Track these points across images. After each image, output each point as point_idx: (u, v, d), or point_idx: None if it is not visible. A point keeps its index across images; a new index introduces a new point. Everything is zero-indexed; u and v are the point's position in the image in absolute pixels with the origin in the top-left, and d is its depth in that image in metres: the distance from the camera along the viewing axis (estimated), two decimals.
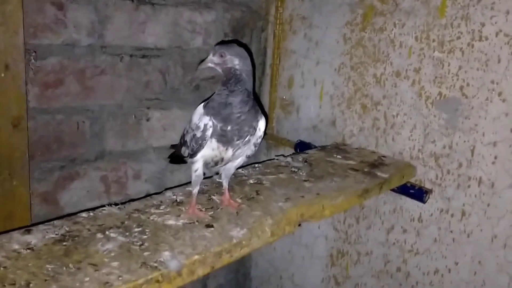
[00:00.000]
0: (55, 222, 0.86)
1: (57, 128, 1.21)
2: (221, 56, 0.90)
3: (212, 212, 0.94)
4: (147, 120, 1.40)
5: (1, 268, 0.71)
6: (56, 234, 0.81)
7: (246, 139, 0.93)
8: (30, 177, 1.13)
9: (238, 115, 0.90)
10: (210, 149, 0.92)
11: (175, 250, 0.79)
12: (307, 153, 1.34)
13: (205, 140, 0.90)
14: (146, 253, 0.78)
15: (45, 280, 0.69)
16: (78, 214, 0.89)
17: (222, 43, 0.97)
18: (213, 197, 1.01)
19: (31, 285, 0.68)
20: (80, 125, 1.26)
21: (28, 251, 0.76)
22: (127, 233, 0.83)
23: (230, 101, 0.89)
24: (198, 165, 0.94)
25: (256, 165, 1.21)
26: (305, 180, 1.13)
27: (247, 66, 0.91)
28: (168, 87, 1.42)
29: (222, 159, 0.94)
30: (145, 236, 0.83)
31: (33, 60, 1.12)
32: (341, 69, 1.43)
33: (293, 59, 1.60)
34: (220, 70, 0.91)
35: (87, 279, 0.70)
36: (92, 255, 0.76)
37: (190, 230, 0.87)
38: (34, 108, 1.16)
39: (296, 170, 1.19)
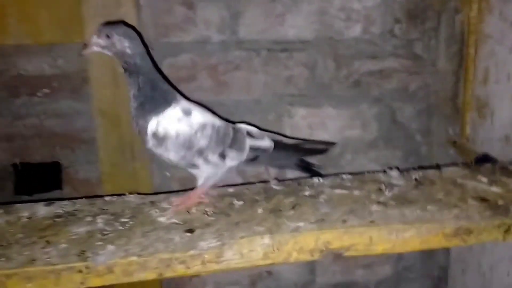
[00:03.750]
0: None
1: None
2: (108, 37, 0.79)
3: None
4: (290, 117, 1.33)
5: None
6: None
7: (147, 145, 0.81)
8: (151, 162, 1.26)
9: (132, 113, 0.78)
10: None
11: (123, 247, 0.77)
12: (438, 169, 1.00)
13: None
14: (97, 243, 0.78)
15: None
16: None
17: (107, 23, 0.83)
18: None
19: None
20: None
21: None
22: (114, 221, 0.85)
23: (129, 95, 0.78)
24: None
25: (345, 176, 0.99)
26: (380, 203, 0.87)
27: (140, 48, 0.79)
28: (316, 83, 1.31)
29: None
30: (121, 228, 0.83)
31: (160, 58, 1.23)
32: None
33: (489, 46, 1.20)
34: (110, 54, 0.80)
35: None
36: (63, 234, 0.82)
37: (165, 230, 0.81)
38: None
39: (384, 188, 0.92)
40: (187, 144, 0.83)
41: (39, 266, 0.73)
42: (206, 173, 0.88)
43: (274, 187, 0.95)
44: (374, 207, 0.85)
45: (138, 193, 0.94)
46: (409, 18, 1.29)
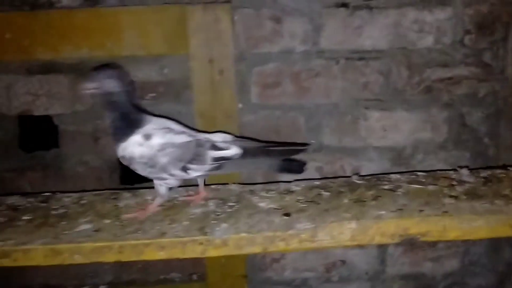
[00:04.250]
0: None
1: (275, 122, 1.46)
2: (99, 81, 0.95)
3: None
4: (365, 119, 1.46)
5: None
6: None
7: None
8: None
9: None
10: None
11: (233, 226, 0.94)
12: (505, 169, 1.11)
13: None
14: (212, 221, 0.96)
15: None
16: None
17: (96, 68, 0.98)
18: None
19: None
20: (296, 121, 1.46)
21: None
22: (222, 205, 1.03)
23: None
24: None
25: (419, 173, 1.12)
26: (452, 196, 0.99)
27: (122, 87, 0.97)
28: (390, 88, 1.44)
29: None
30: (230, 210, 1.00)
31: (250, 67, 1.40)
32: None
33: None
34: (100, 93, 0.97)
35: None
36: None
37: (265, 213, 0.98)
38: (255, 104, 1.44)
39: (456, 184, 1.04)
40: (150, 163, 0.98)
41: (169, 238, 0.91)
42: (172, 183, 1.03)
43: (356, 181, 1.09)
44: (447, 200, 0.97)
45: (239, 183, 1.11)
46: (478, 29, 1.38)
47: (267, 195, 1.05)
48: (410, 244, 0.94)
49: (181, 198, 1.07)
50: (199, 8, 1.29)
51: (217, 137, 1.04)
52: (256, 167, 1.08)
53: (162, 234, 0.91)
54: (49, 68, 1.38)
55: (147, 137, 0.98)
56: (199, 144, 1.00)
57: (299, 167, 1.06)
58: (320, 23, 1.39)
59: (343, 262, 1.55)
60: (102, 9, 1.31)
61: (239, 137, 1.11)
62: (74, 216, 0.99)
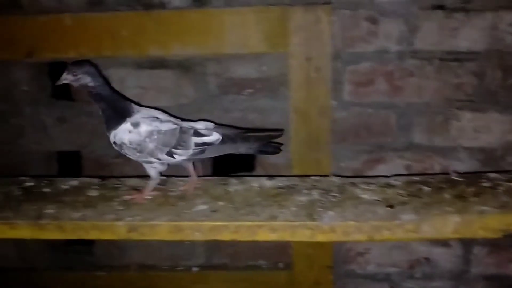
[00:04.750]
0: None
1: (367, 119, 1.50)
2: (74, 74, 1.05)
3: None
4: (457, 120, 1.48)
5: None
6: None
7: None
8: (332, 154, 1.48)
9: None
10: None
11: (340, 214, 1.00)
12: None
13: None
14: (318, 209, 1.02)
15: None
16: None
17: (75, 62, 1.09)
18: None
19: None
20: (388, 119, 1.50)
21: None
22: (326, 195, 1.09)
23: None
24: None
25: None
26: None
27: (99, 81, 1.07)
28: (483, 90, 1.45)
29: None
30: (333, 200, 1.06)
31: (345, 65, 1.46)
32: None
33: None
34: (77, 86, 1.07)
35: None
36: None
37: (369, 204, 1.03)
38: (347, 101, 1.49)
39: None
40: (139, 148, 1.08)
41: (280, 221, 0.98)
42: (159, 167, 1.13)
43: (455, 178, 1.13)
44: None
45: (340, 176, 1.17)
46: None
47: (368, 187, 1.11)
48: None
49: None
50: (301, 9, 1.36)
51: (200, 125, 1.14)
52: (236, 151, 1.16)
53: (273, 218, 0.99)
54: (158, 64, 1.50)
55: (136, 125, 1.08)
56: (183, 131, 1.10)
57: (274, 149, 1.16)
58: (415, 24, 1.42)
59: (427, 259, 1.57)
60: (209, 10, 1.41)
61: (220, 125, 1.20)
62: (190, 198, 1.09)
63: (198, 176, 1.19)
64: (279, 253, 1.57)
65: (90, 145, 1.56)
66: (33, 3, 1.47)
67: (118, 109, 1.10)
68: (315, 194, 1.09)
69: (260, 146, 1.14)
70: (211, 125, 1.16)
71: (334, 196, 1.07)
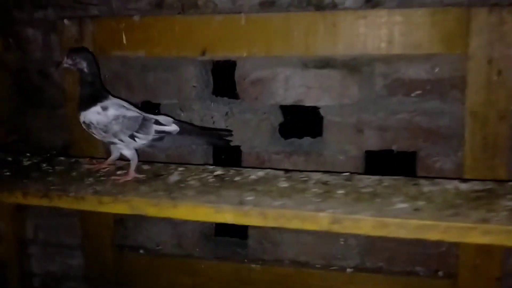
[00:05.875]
0: None
1: None
2: (73, 59, 1.23)
3: None
4: None
5: None
6: None
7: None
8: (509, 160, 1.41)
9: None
10: None
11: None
12: None
13: None
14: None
15: None
16: None
17: (74, 49, 1.30)
18: None
19: None
20: None
21: None
22: None
23: None
24: None
25: None
26: None
27: (93, 68, 1.26)
28: None
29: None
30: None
31: None
32: None
33: None
34: (75, 69, 1.25)
35: None
36: None
37: None
38: None
39: None
40: (104, 129, 1.23)
41: (493, 224, 0.95)
42: (122, 148, 1.29)
43: None
44: None
45: None
46: None
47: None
48: None
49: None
50: (484, 10, 1.31)
51: (161, 118, 1.29)
52: (191, 142, 1.41)
53: (485, 221, 0.96)
54: (324, 63, 1.51)
55: (105, 108, 1.25)
56: (145, 119, 1.26)
57: (225, 142, 1.37)
58: None
59: None
60: (380, 11, 1.40)
61: (179, 121, 1.35)
62: (384, 195, 1.08)
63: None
64: (440, 261, 1.52)
65: (249, 141, 1.60)
66: (209, 3, 1.54)
67: (95, 95, 1.27)
68: None
69: (213, 140, 1.38)
70: (170, 119, 1.30)
71: None
